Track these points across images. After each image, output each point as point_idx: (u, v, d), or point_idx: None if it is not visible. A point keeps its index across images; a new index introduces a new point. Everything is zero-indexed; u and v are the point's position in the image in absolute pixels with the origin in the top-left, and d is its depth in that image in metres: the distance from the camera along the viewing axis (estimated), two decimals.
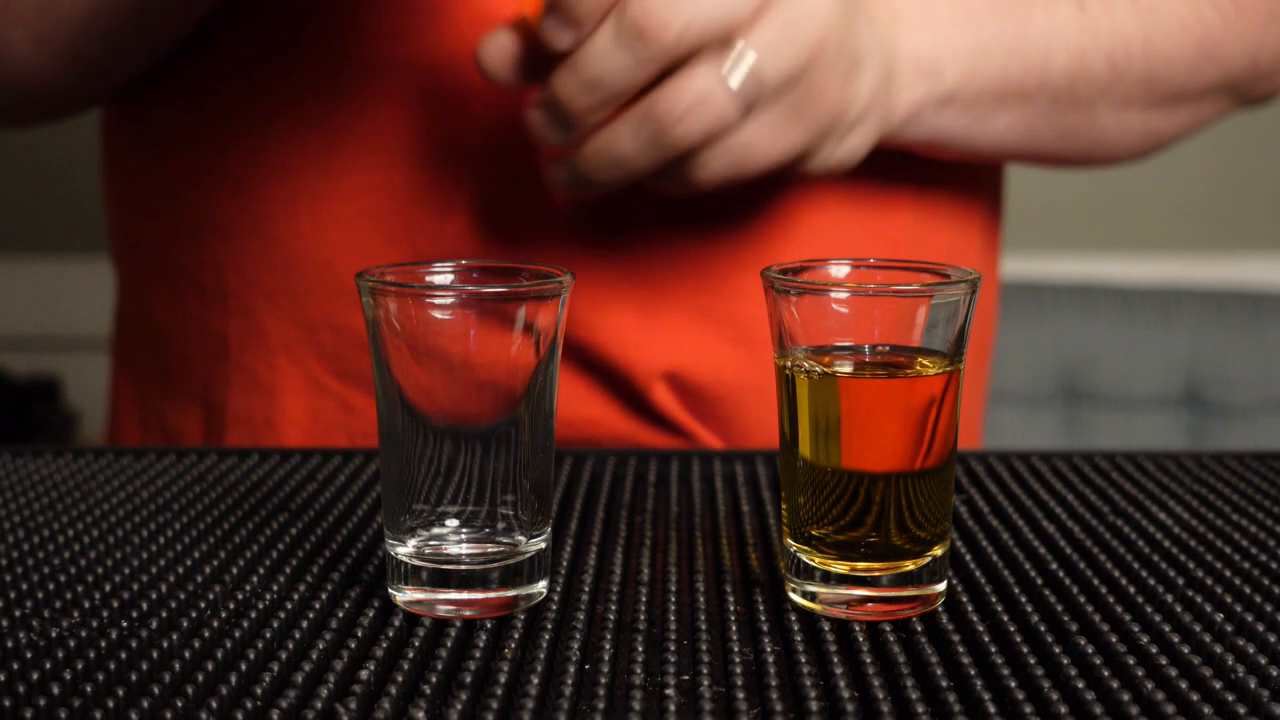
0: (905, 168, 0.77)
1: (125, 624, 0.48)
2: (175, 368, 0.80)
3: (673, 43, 0.58)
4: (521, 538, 0.50)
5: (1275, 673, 0.45)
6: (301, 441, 0.76)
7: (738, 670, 0.45)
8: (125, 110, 0.80)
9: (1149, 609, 0.50)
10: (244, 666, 0.44)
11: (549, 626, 0.48)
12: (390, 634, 0.47)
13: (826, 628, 0.48)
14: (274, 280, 0.76)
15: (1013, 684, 0.43)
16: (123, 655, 0.45)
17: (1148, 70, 0.75)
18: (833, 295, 0.50)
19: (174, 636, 0.47)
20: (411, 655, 0.45)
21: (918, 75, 0.69)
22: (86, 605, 0.50)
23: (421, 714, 0.42)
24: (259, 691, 0.43)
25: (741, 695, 0.43)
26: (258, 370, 0.77)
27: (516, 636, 0.48)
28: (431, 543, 0.50)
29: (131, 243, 0.82)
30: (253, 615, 0.49)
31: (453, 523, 0.50)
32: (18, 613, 0.49)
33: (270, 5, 0.74)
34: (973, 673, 0.44)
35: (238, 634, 0.47)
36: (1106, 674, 0.44)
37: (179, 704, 0.42)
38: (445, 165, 0.73)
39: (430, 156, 0.73)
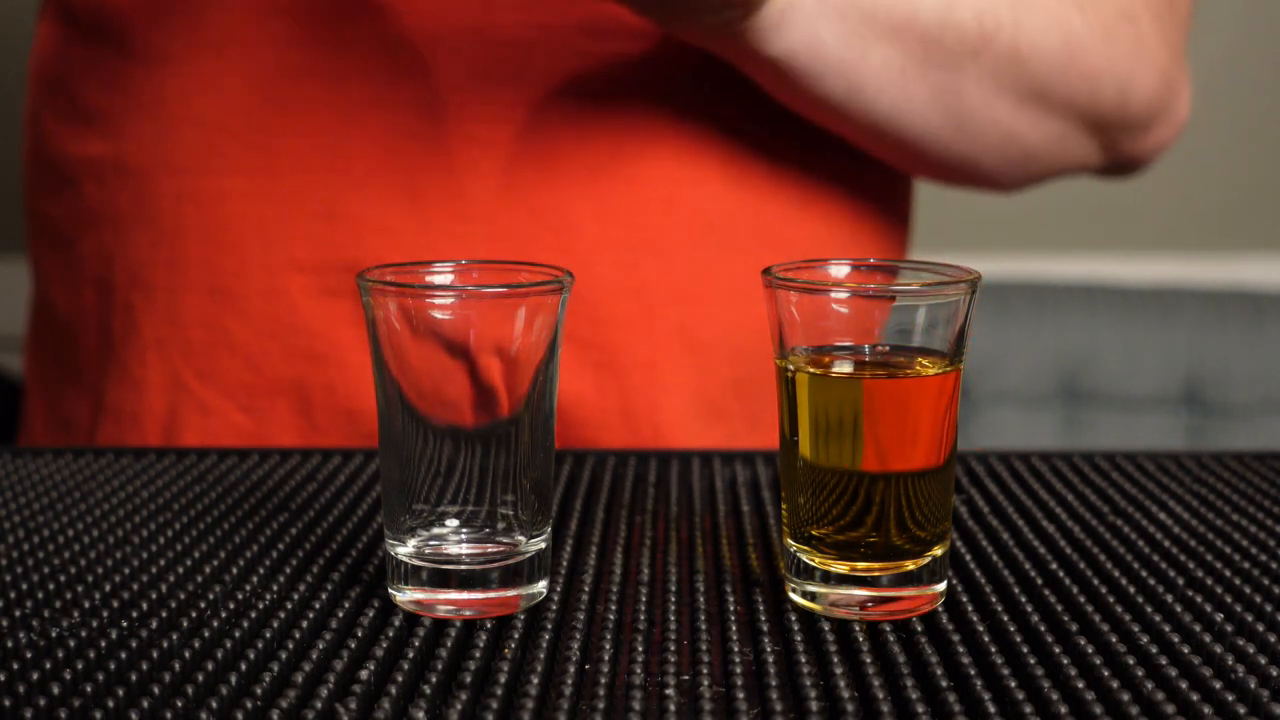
0: (789, 143, 0.78)
1: (125, 624, 0.48)
2: (69, 357, 0.82)
3: None
4: (521, 538, 0.50)
5: (1275, 673, 0.45)
6: (160, 437, 0.78)
7: (738, 670, 0.45)
8: (47, 95, 0.82)
9: (1149, 609, 0.50)
10: (244, 666, 0.44)
11: (549, 626, 0.48)
12: (390, 634, 0.47)
13: (826, 628, 0.48)
14: (155, 276, 0.78)
15: (1013, 684, 0.43)
16: (123, 655, 0.45)
17: (1015, 48, 0.75)
18: (833, 295, 0.50)
19: (174, 636, 0.47)
20: (411, 655, 0.45)
21: None
22: (86, 605, 0.50)
23: (421, 714, 0.42)
24: (259, 691, 0.42)
25: (741, 695, 0.43)
26: (131, 365, 0.79)
27: (516, 636, 0.48)
28: (431, 543, 0.50)
29: (40, 231, 0.84)
30: (253, 615, 0.49)
31: (453, 523, 0.50)
32: (18, 613, 0.49)
33: (178, 11, 0.77)
34: (973, 673, 0.44)
35: (238, 634, 0.47)
36: (1106, 674, 0.44)
37: (179, 704, 0.42)
38: (332, 175, 0.75)
39: (316, 165, 0.75)
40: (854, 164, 0.80)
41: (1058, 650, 0.46)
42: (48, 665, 0.45)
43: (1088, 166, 0.84)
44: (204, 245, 0.77)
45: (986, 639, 0.47)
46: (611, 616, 0.50)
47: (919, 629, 0.48)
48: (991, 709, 0.42)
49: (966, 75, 0.75)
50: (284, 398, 0.77)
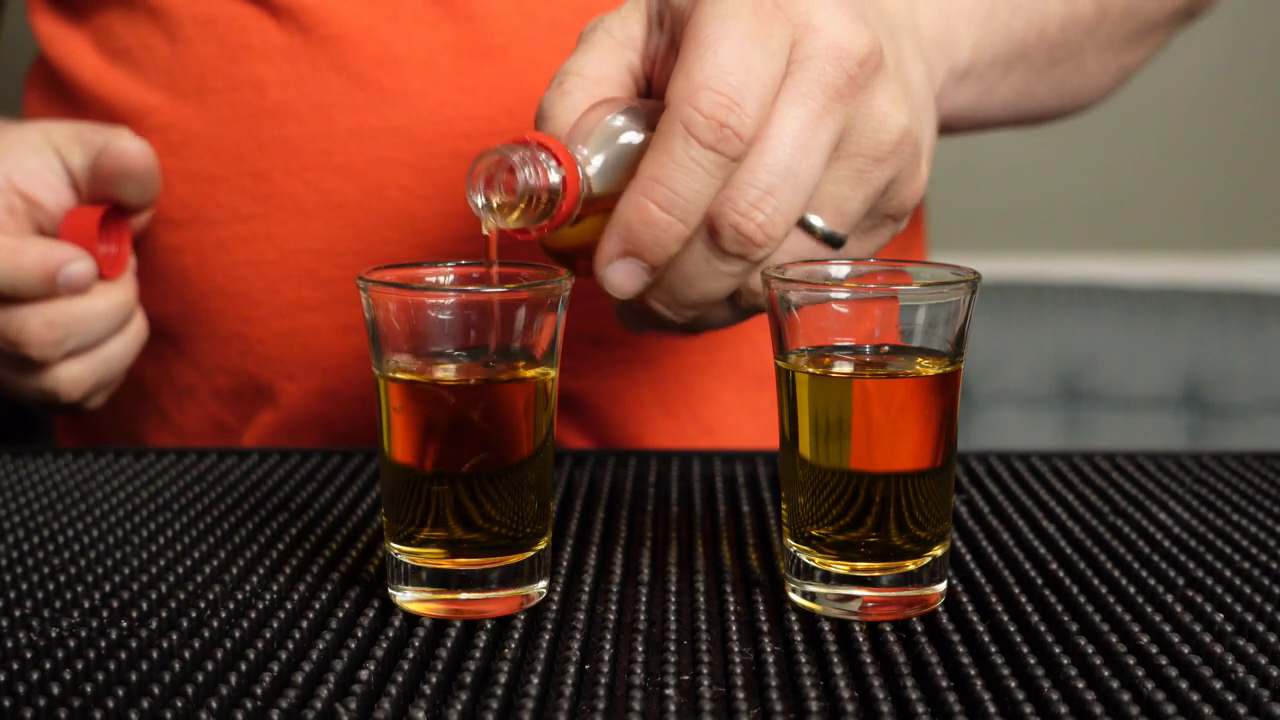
0: None
1: (125, 624, 0.48)
2: (103, 405, 0.82)
3: (768, 249, 0.52)
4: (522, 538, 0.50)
5: (1275, 673, 0.45)
6: None
7: (738, 670, 0.45)
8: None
9: (1149, 609, 0.50)
10: (244, 666, 0.44)
11: (549, 626, 0.48)
12: (390, 634, 0.47)
13: (826, 628, 0.48)
14: (174, 327, 0.78)
15: (1013, 684, 0.43)
16: (123, 655, 0.45)
17: (1127, 6, 0.76)
18: (833, 295, 0.50)
19: (174, 636, 0.47)
20: (411, 655, 0.45)
21: (939, 54, 0.64)
22: (86, 605, 0.50)
23: (421, 714, 0.42)
24: (259, 691, 0.42)
25: (741, 695, 0.43)
26: (170, 410, 0.80)
27: (516, 636, 0.48)
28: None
29: None
30: (253, 615, 0.49)
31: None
32: (18, 613, 0.49)
33: (150, 66, 0.76)
34: (973, 673, 0.44)
35: (238, 634, 0.47)
36: (1106, 674, 0.44)
37: (179, 704, 0.42)
38: (327, 212, 0.75)
39: (309, 205, 0.75)
40: None
41: (1058, 650, 0.46)
42: (48, 665, 0.45)
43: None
44: (212, 295, 0.77)
45: (986, 639, 0.47)
46: (611, 616, 0.50)
47: (919, 629, 0.48)
48: (991, 709, 0.42)
49: (1086, 52, 0.76)
50: (310, 435, 0.77)
